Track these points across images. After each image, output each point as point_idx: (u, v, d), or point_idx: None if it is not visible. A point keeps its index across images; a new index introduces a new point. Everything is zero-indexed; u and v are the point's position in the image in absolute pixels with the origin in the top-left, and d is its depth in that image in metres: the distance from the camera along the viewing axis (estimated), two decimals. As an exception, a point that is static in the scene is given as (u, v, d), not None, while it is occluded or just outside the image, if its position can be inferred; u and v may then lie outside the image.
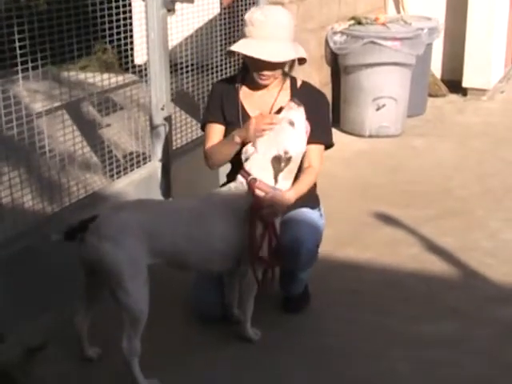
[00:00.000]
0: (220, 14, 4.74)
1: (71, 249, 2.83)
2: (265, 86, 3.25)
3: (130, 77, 4.26)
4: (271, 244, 3.04)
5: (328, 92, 6.24)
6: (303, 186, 3.16)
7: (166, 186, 4.18)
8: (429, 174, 5.33)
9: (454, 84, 7.32)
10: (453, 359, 3.12)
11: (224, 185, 3.23)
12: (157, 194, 4.11)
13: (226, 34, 4.66)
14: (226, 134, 3.29)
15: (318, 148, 3.25)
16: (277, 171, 3.02)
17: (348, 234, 4.30)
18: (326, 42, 6.16)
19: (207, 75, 4.59)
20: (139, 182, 4.00)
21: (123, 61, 4.01)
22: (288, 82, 3.32)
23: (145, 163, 4.10)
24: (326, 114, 3.40)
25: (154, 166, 4.14)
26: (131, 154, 4.09)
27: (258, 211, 2.97)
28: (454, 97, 7.34)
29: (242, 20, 3.23)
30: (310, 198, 3.37)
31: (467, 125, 6.54)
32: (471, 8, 7.06)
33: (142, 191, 3.91)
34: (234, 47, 3.14)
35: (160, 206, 3.15)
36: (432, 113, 6.85)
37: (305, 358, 3.13)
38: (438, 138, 6.18)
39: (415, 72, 6.23)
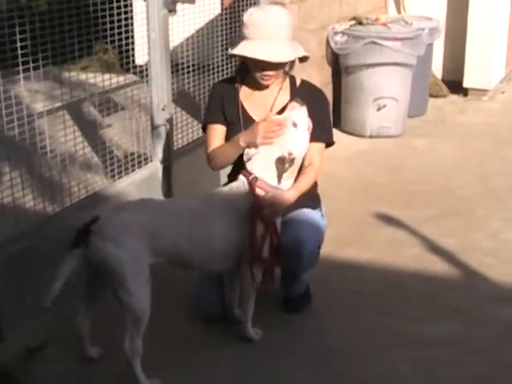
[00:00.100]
0: (221, 15, 4.74)
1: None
2: (266, 86, 3.25)
3: (130, 77, 4.26)
4: (272, 244, 3.04)
5: (329, 92, 6.24)
6: (304, 185, 3.16)
7: (167, 187, 4.18)
8: (430, 174, 5.33)
9: (454, 84, 7.32)
10: (454, 359, 3.12)
11: (225, 185, 3.23)
12: (158, 195, 4.11)
13: (226, 34, 4.66)
14: (227, 134, 3.29)
15: (318, 146, 3.25)
16: (280, 172, 3.02)
17: (349, 234, 4.30)
18: (327, 42, 6.16)
19: (208, 75, 4.59)
20: (140, 183, 4.00)
21: (124, 61, 4.01)
22: (287, 81, 3.32)
23: (146, 163, 4.10)
24: (327, 112, 3.40)
25: (155, 167, 4.14)
26: (132, 154, 4.09)
27: (258, 211, 2.97)
28: (454, 97, 7.34)
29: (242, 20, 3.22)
30: (311, 198, 3.37)
31: (468, 125, 6.54)
32: (472, 8, 7.06)
33: (143, 191, 3.91)
34: (237, 50, 3.13)
35: (161, 205, 3.15)
36: (433, 113, 6.85)
37: (306, 358, 3.13)
38: (438, 138, 6.18)
39: (416, 72, 6.22)
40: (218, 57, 4.61)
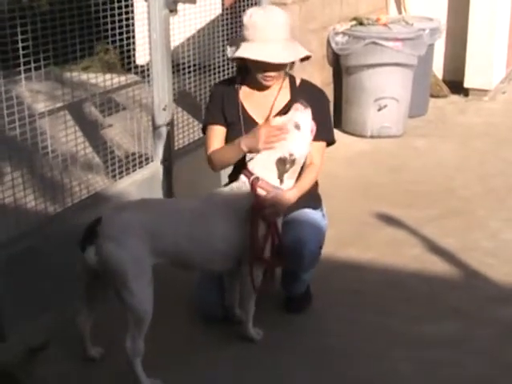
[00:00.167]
0: (222, 15, 4.74)
1: (72, 249, 2.83)
2: (267, 87, 3.26)
3: (132, 77, 4.27)
4: (273, 244, 3.05)
5: (330, 92, 6.24)
6: (305, 185, 3.17)
7: (168, 187, 4.18)
8: (430, 174, 5.34)
9: (455, 84, 7.32)
10: (454, 359, 3.12)
11: (226, 185, 3.24)
12: (159, 195, 4.12)
13: (227, 34, 4.67)
14: (228, 135, 3.29)
15: (319, 145, 3.25)
16: (281, 172, 3.03)
17: (350, 234, 4.31)
18: (328, 42, 6.16)
19: (209, 75, 4.60)
20: (141, 183, 4.00)
21: (125, 61, 4.02)
22: (287, 80, 3.32)
23: (147, 163, 4.10)
24: (327, 111, 3.40)
25: (156, 167, 4.14)
26: (133, 154, 4.09)
27: (260, 211, 2.98)
28: (455, 97, 7.34)
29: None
30: (312, 199, 3.38)
31: (469, 125, 6.54)
32: (473, 8, 7.06)
33: (144, 191, 3.91)
34: (239, 53, 3.12)
35: (162, 205, 3.15)
36: (434, 113, 6.85)
37: (306, 358, 3.14)
38: (439, 138, 6.18)
39: (417, 72, 6.22)
40: (218, 57, 4.62)
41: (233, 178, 3.24)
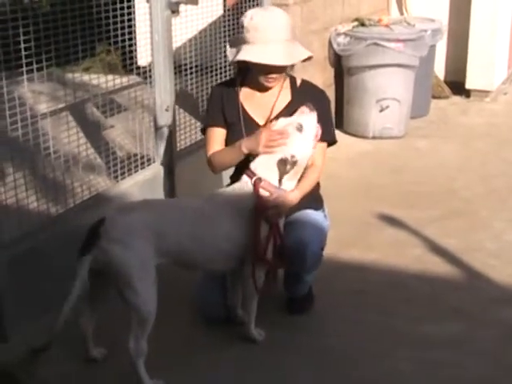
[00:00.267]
0: (224, 16, 4.74)
1: (74, 250, 2.83)
2: (268, 88, 3.26)
3: (133, 78, 4.26)
4: (276, 245, 3.05)
5: (331, 93, 6.24)
6: (307, 186, 3.17)
7: (170, 187, 4.18)
8: (432, 174, 5.33)
9: (457, 85, 7.32)
10: (457, 360, 3.11)
11: (228, 186, 3.24)
12: (161, 195, 4.11)
13: (229, 35, 4.66)
14: (228, 136, 3.29)
15: (320, 146, 3.25)
16: (282, 173, 3.02)
17: (352, 234, 4.31)
18: (330, 43, 6.16)
19: (211, 76, 4.59)
20: (143, 183, 4.00)
21: (127, 62, 4.02)
22: (288, 81, 3.32)
23: (149, 164, 4.10)
24: (328, 111, 3.40)
25: (158, 168, 4.14)
26: (135, 155, 4.09)
27: (263, 212, 2.98)
28: (457, 98, 7.34)
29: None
30: (314, 199, 3.38)
31: (471, 126, 6.54)
32: (474, 9, 7.06)
33: (147, 192, 3.91)
34: (240, 56, 3.12)
35: (165, 205, 3.16)
36: (435, 114, 6.85)
37: (309, 358, 3.13)
38: (441, 139, 6.18)
39: (418, 73, 6.22)
40: (221, 58, 4.61)
41: (234, 178, 3.24)
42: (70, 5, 3.52)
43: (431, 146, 5.99)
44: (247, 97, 3.31)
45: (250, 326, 3.19)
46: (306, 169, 3.16)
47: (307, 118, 3.06)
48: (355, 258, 4.02)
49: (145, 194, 3.83)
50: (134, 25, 4.03)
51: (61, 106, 4.05)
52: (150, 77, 4.05)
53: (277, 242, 3.04)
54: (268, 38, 3.08)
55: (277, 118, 3.19)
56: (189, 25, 4.37)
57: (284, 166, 3.01)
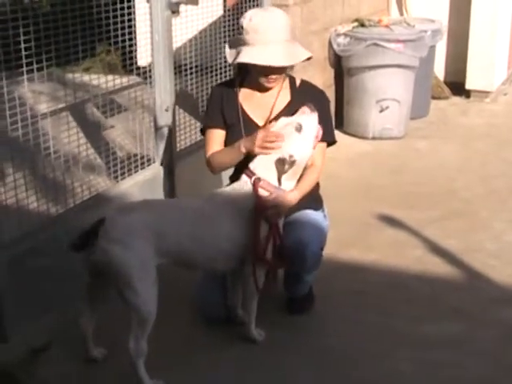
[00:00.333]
0: (224, 16, 4.74)
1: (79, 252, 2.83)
2: (268, 88, 3.26)
3: (133, 78, 4.26)
4: (275, 245, 3.05)
5: (331, 94, 6.24)
6: (306, 186, 3.17)
7: (170, 188, 4.18)
8: (432, 175, 5.33)
9: (457, 86, 7.32)
10: (457, 360, 3.11)
11: (228, 186, 3.24)
12: (161, 196, 4.11)
13: (229, 35, 4.66)
14: (228, 137, 3.29)
15: (320, 146, 3.25)
16: (280, 173, 3.02)
17: (352, 235, 4.31)
18: (330, 43, 6.16)
19: (211, 77, 4.59)
20: (143, 184, 4.00)
21: (127, 62, 4.02)
22: (287, 81, 3.32)
23: (149, 164, 4.10)
24: (327, 111, 3.39)
25: (158, 168, 4.14)
26: (135, 155, 4.09)
27: (262, 211, 2.98)
28: (457, 99, 7.34)
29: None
30: (314, 200, 3.38)
31: (470, 127, 6.55)
32: (474, 10, 7.06)
33: (146, 192, 3.91)
34: (241, 58, 3.11)
35: (165, 206, 3.16)
36: (435, 115, 6.85)
37: (310, 358, 3.13)
38: (441, 139, 6.18)
39: (418, 74, 6.23)
40: (221, 58, 4.61)
41: (234, 179, 3.24)
42: (70, 5, 3.52)
43: (431, 147, 5.99)
44: (246, 97, 3.31)
45: (250, 326, 3.19)
46: (305, 169, 3.16)
47: (307, 118, 3.06)
48: (355, 259, 4.02)
49: (145, 195, 3.83)
50: (134, 25, 4.03)
51: (61, 106, 4.05)
52: (150, 77, 4.05)
53: (276, 242, 3.04)
54: (268, 39, 3.08)
55: (276, 118, 3.19)
56: (189, 25, 4.37)
57: (282, 165, 3.01)
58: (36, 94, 4.08)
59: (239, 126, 3.25)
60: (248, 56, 3.10)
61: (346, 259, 4.00)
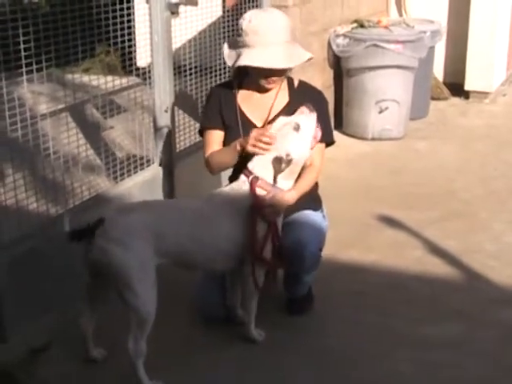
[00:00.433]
0: (223, 17, 4.75)
1: (74, 250, 2.83)
2: (267, 89, 3.26)
3: (133, 79, 4.27)
4: (274, 245, 3.05)
5: (330, 95, 6.24)
6: (304, 185, 3.17)
7: (170, 189, 4.18)
8: (431, 176, 5.34)
9: (456, 87, 7.33)
10: (457, 361, 3.11)
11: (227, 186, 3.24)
12: (160, 196, 4.12)
13: (229, 36, 4.66)
14: (226, 138, 3.29)
15: (319, 147, 3.24)
16: (277, 171, 3.03)
17: (351, 235, 4.31)
18: (329, 44, 6.16)
19: (211, 77, 4.60)
20: (143, 184, 4.00)
21: (127, 63, 4.02)
22: (285, 82, 3.32)
23: (148, 165, 4.10)
24: (326, 112, 3.39)
25: (158, 168, 4.14)
26: (134, 156, 4.10)
27: (259, 210, 2.98)
28: (456, 100, 7.34)
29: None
30: (313, 200, 3.38)
31: (470, 127, 6.55)
32: (473, 11, 7.06)
33: (146, 193, 3.91)
34: (242, 61, 3.10)
35: (164, 206, 3.16)
36: (435, 116, 6.85)
37: (309, 359, 3.13)
38: (440, 140, 6.19)
39: (418, 75, 6.23)
40: (220, 59, 4.61)
41: (233, 179, 3.24)
42: (70, 5, 3.52)
43: (430, 148, 6.00)
44: (245, 99, 3.31)
45: (250, 327, 3.19)
46: (304, 169, 3.16)
47: (305, 118, 3.06)
48: (355, 259, 4.02)
49: (144, 195, 3.83)
50: (134, 26, 4.03)
51: (60, 106, 4.05)
52: (150, 78, 4.05)
53: (275, 241, 3.04)
54: (268, 41, 3.07)
55: (275, 119, 3.18)
56: (188, 26, 4.37)
57: (279, 164, 3.01)
58: (35, 94, 4.08)
59: (237, 127, 3.25)
60: (248, 58, 3.09)
61: (345, 260, 4.00)
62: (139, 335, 2.79)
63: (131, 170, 3.97)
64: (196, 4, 4.11)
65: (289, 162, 3.01)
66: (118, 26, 3.77)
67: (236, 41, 3.19)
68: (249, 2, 4.80)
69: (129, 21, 3.86)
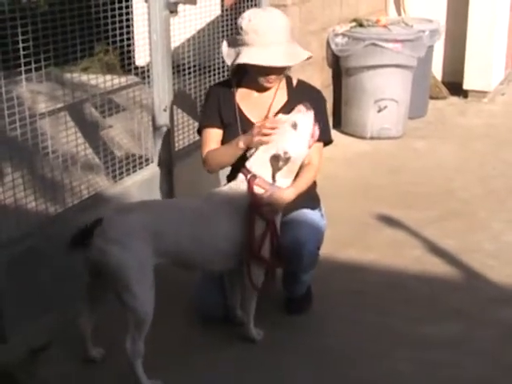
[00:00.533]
0: (222, 16, 4.74)
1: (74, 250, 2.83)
2: (266, 88, 3.25)
3: (131, 78, 4.26)
4: (273, 243, 3.04)
5: (329, 94, 6.24)
6: (302, 184, 3.17)
7: (169, 188, 4.18)
8: (430, 175, 5.34)
9: (454, 86, 7.33)
10: (456, 360, 3.12)
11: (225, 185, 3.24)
12: (159, 196, 4.11)
13: (228, 35, 4.66)
14: (225, 137, 3.29)
15: (317, 146, 3.24)
16: (275, 169, 3.03)
17: (350, 235, 4.31)
18: (328, 43, 6.16)
19: (209, 76, 4.59)
20: (141, 183, 4.00)
21: (126, 62, 4.02)
22: (284, 81, 3.32)
23: (147, 164, 4.10)
24: (324, 111, 3.38)
25: (157, 168, 4.14)
26: (133, 155, 4.09)
27: (257, 208, 2.98)
28: (454, 99, 7.34)
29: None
30: (311, 199, 3.38)
31: (468, 127, 6.55)
32: (472, 10, 7.06)
33: (145, 192, 3.91)
34: (242, 59, 3.10)
35: (163, 206, 3.16)
36: (433, 115, 6.86)
37: (308, 358, 3.13)
38: (439, 139, 6.19)
39: (416, 74, 6.23)
40: (219, 58, 4.61)
41: (231, 178, 3.24)
42: (69, 4, 3.51)
43: (429, 147, 6.00)
44: (244, 97, 3.31)
45: (249, 326, 3.19)
46: (302, 167, 3.16)
47: (303, 116, 3.06)
48: (353, 259, 4.02)
49: (143, 194, 3.83)
50: (132, 25, 4.02)
51: (59, 105, 4.05)
52: (149, 77, 4.04)
53: (274, 240, 3.04)
54: (268, 41, 3.07)
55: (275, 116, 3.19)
56: (187, 25, 4.37)
57: (277, 162, 3.02)
58: (34, 93, 4.08)
59: (236, 126, 3.25)
60: (248, 56, 3.09)
61: (344, 259, 4.00)
62: (137, 335, 2.79)
63: (130, 169, 3.97)
64: (195, 3, 4.11)
65: (287, 159, 3.01)
66: (117, 25, 3.77)
67: (235, 39, 3.18)
68: (247, 0, 4.80)
69: (127, 20, 3.86)
